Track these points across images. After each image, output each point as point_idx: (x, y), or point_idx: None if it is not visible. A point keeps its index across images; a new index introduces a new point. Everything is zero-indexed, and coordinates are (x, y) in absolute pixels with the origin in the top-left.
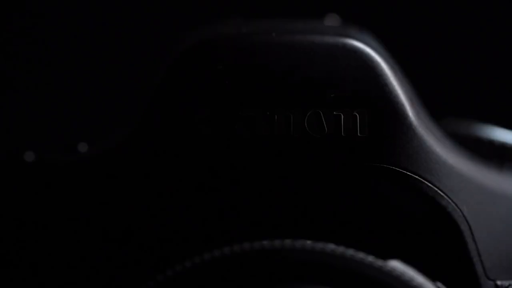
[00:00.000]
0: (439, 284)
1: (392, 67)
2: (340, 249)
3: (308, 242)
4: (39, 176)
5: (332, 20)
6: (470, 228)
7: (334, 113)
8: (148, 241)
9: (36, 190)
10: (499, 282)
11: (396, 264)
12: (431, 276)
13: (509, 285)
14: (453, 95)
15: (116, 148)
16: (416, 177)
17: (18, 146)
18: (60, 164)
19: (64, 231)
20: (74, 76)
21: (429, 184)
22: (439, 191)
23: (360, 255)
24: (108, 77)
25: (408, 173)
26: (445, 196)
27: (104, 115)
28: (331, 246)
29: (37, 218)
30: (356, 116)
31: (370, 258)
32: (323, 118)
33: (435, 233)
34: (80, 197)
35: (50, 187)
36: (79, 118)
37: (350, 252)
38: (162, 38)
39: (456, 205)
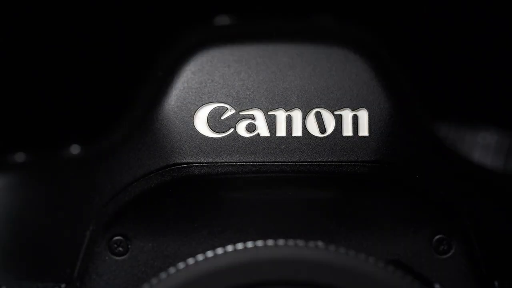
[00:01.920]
0: (438, 285)
1: (392, 68)
2: (342, 250)
3: (308, 242)
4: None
5: (330, 19)
6: (470, 228)
7: (335, 113)
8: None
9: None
10: (499, 282)
11: (397, 265)
12: (431, 276)
13: (509, 285)
14: (453, 95)
15: (115, 146)
16: (417, 177)
17: (11, 147)
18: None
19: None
20: (68, 77)
21: (430, 184)
22: (440, 191)
23: (361, 256)
24: (102, 78)
25: (408, 173)
26: (446, 196)
27: (99, 117)
28: (332, 247)
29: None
30: (356, 116)
31: (371, 259)
32: (323, 118)
33: (435, 233)
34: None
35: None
36: (73, 120)
37: (352, 252)
38: (156, 39)
39: (457, 205)
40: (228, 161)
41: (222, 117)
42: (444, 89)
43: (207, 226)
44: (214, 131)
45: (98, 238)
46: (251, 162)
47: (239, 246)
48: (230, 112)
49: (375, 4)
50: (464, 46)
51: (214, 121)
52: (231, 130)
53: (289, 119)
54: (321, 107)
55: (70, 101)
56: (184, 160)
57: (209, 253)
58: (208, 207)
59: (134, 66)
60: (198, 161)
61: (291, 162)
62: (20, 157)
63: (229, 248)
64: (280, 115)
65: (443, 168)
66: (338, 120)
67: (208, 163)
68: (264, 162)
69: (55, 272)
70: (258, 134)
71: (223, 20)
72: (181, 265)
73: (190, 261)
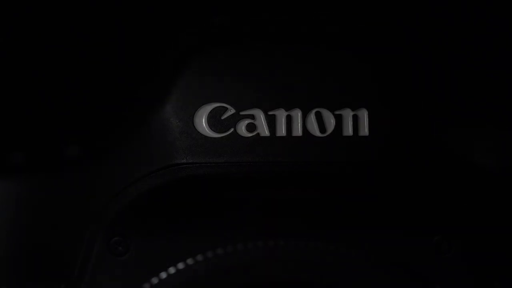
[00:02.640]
0: (438, 286)
1: (392, 68)
2: (342, 250)
3: (308, 242)
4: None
5: (331, 20)
6: (470, 228)
7: (335, 113)
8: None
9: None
10: (499, 282)
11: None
12: (431, 276)
13: (509, 285)
14: (453, 95)
15: (115, 146)
16: (417, 175)
17: (11, 147)
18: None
19: None
20: (68, 77)
21: (430, 184)
22: (440, 191)
23: (362, 255)
24: (102, 78)
25: (408, 173)
26: (446, 196)
27: (99, 117)
28: (332, 247)
29: None
30: (356, 116)
31: (372, 259)
32: (323, 118)
33: (435, 233)
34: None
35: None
36: (72, 120)
37: (353, 252)
38: (156, 39)
39: (457, 205)
40: (228, 161)
41: (222, 117)
42: (445, 89)
43: (207, 226)
44: (214, 131)
45: (98, 238)
46: (251, 162)
47: (239, 246)
48: (230, 112)
49: (376, 4)
50: (464, 46)
51: (214, 121)
52: (231, 130)
53: (289, 119)
54: (321, 107)
55: (69, 101)
56: (184, 160)
57: (209, 253)
58: (208, 207)
59: (134, 66)
60: (198, 161)
61: (291, 162)
62: (19, 157)
63: (229, 248)
64: (280, 115)
65: (443, 168)
66: (338, 120)
67: (208, 163)
68: (264, 162)
69: (55, 272)
70: (258, 134)
71: (223, 20)
72: (181, 265)
73: (190, 261)
